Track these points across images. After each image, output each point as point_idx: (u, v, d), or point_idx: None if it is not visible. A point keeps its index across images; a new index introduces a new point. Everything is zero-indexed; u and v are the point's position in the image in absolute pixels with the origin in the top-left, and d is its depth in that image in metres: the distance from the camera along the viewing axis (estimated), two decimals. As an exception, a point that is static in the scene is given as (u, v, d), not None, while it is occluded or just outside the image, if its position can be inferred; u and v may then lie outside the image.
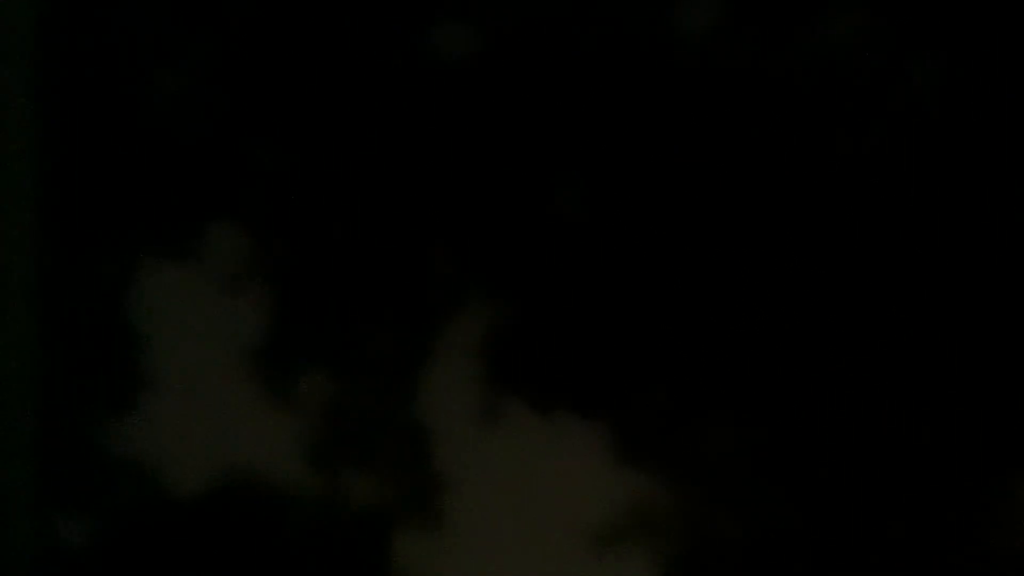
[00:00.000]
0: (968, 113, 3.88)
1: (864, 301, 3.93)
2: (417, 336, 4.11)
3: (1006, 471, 3.85)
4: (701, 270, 4.02)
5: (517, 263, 4.07)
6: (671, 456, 4.02)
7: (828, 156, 3.95)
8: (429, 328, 4.10)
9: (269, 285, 4.15)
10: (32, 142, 4.10)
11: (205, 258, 4.16)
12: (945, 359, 3.88)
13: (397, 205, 4.12)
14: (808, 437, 3.97)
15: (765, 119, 3.96)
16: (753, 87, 3.95)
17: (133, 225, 4.19)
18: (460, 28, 4.05)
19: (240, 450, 4.08)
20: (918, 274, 3.91)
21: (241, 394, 4.12)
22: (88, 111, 4.21)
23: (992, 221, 3.87)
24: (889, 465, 3.93)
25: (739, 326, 3.99)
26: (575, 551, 4.02)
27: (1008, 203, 3.86)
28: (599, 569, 4.01)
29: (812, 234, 3.97)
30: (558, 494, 4.04)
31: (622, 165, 4.02)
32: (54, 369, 4.12)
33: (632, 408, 4.04)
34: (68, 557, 4.07)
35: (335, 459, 4.10)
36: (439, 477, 4.08)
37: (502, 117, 4.06)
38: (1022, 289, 3.84)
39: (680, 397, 4.01)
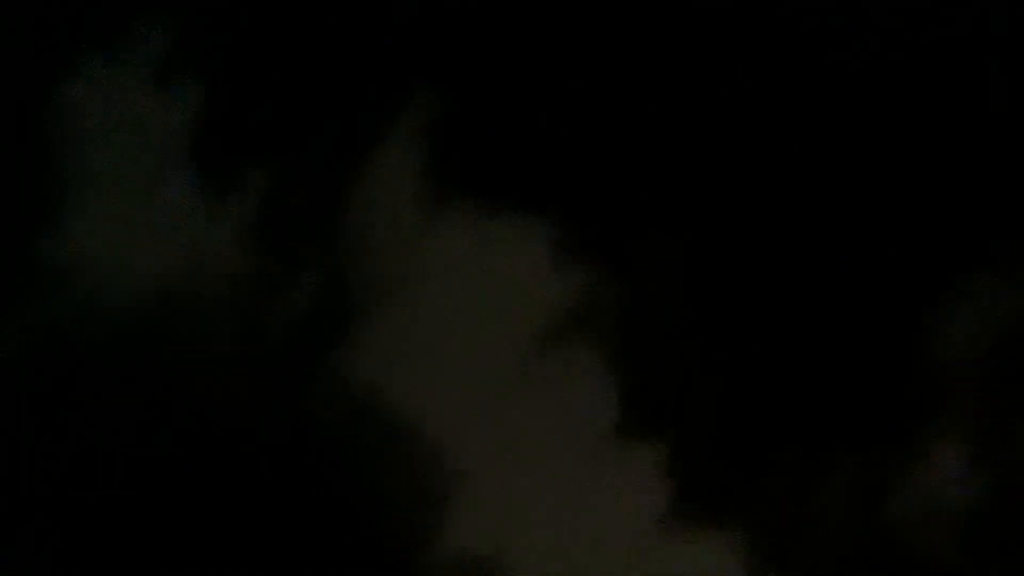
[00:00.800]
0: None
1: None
2: (358, 131, 4.05)
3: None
4: (648, 56, 4.04)
5: (462, 49, 4.02)
6: (613, 251, 4.04)
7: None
8: (371, 120, 4.04)
9: (200, 73, 4.04)
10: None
11: (133, 51, 4.02)
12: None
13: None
14: (745, 234, 4.04)
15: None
16: None
17: (60, 23, 4.03)
18: None
19: (175, 252, 3.97)
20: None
21: (176, 193, 4.01)
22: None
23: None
24: (830, 258, 4.02)
25: (683, 114, 4.03)
26: (519, 350, 4.01)
27: None
28: (543, 366, 4.02)
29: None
30: (501, 291, 4.03)
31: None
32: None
33: (576, 205, 4.04)
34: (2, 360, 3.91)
35: (275, 258, 4.01)
36: (381, 276, 4.03)
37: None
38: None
39: (623, 193, 4.04)
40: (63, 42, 3.89)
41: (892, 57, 3.85)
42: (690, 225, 3.99)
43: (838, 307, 3.93)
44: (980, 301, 3.86)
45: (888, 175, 3.87)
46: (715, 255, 3.98)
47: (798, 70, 3.90)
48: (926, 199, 3.88)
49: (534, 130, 3.97)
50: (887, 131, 3.85)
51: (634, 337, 3.97)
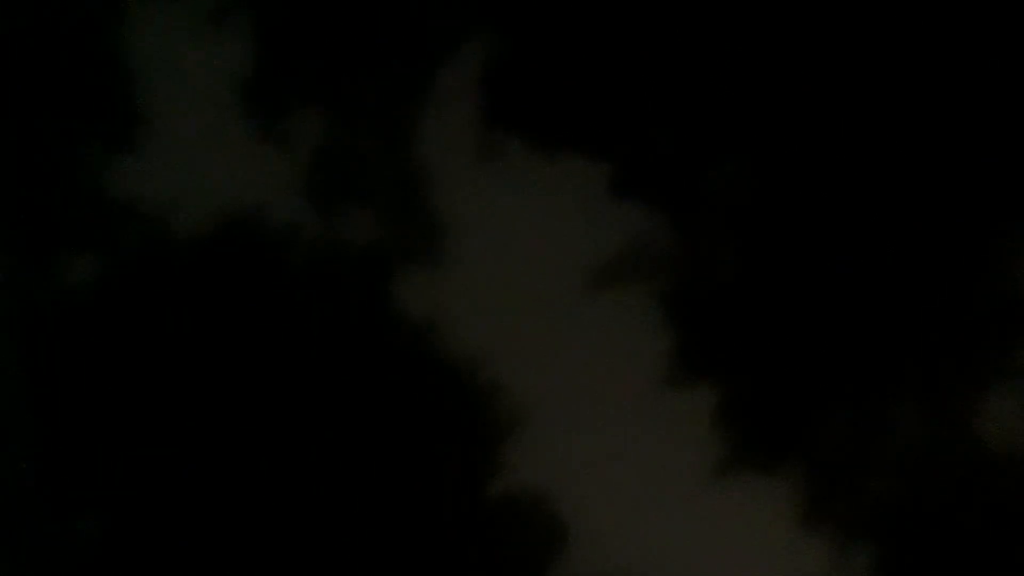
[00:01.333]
0: None
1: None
2: (414, 73, 4.05)
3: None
4: (712, 13, 3.99)
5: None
6: (670, 194, 4.02)
7: None
8: (426, 64, 4.04)
9: (259, 19, 4.06)
10: None
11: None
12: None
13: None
14: (805, 178, 3.99)
15: None
16: None
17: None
18: None
19: (237, 189, 4.01)
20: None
21: (236, 132, 4.04)
22: None
23: None
24: (883, 210, 3.97)
25: (742, 63, 3.98)
26: (573, 290, 4.02)
27: None
28: (597, 308, 4.02)
29: None
30: (556, 233, 4.03)
31: None
32: (49, 110, 4.02)
33: (632, 146, 4.02)
34: (70, 297, 4.00)
35: (333, 198, 4.04)
36: (437, 217, 4.04)
37: None
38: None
39: (681, 136, 4.00)
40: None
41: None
42: (748, 171, 3.94)
43: (899, 251, 3.87)
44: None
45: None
46: (773, 201, 3.93)
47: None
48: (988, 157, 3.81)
49: (591, 72, 3.94)
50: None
51: (688, 282, 3.95)
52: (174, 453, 3.89)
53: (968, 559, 3.79)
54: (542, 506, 3.88)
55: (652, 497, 3.87)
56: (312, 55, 4.00)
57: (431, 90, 4.01)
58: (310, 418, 3.92)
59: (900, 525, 3.82)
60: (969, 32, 3.81)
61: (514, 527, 3.86)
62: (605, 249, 3.98)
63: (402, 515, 3.86)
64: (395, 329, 3.96)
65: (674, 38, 3.95)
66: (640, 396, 3.93)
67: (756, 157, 3.94)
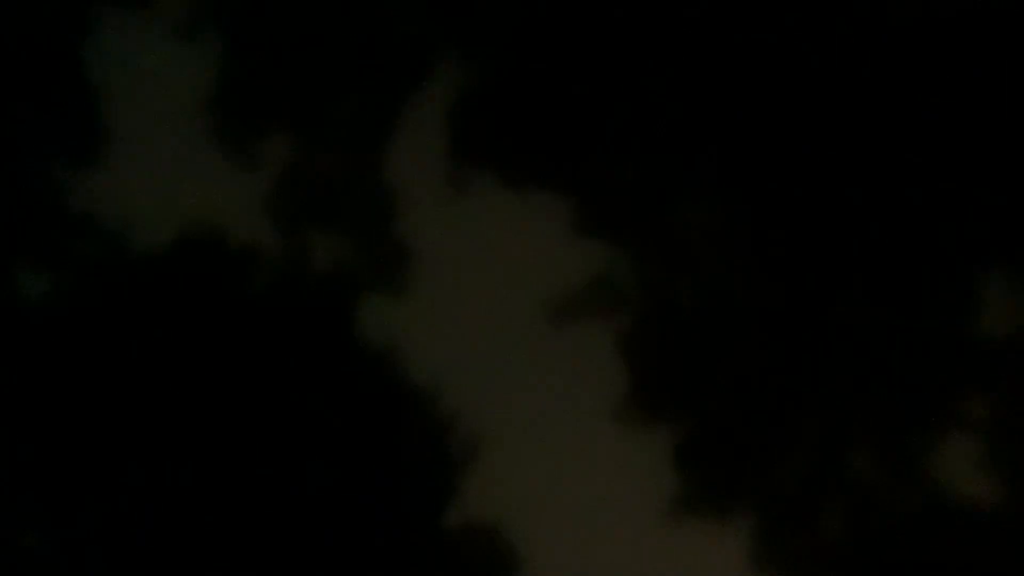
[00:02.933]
0: None
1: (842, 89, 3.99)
2: (384, 100, 4.03)
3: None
4: (673, 45, 4.02)
5: (488, 26, 4.00)
6: (632, 232, 4.04)
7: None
8: (396, 92, 4.03)
9: (227, 34, 4.02)
10: None
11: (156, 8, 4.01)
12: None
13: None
14: (764, 223, 4.02)
15: None
16: None
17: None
18: None
19: (200, 208, 3.97)
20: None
21: (201, 151, 4.00)
22: None
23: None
24: (847, 242, 4.00)
25: (705, 105, 4.01)
26: (535, 323, 4.02)
27: None
28: (557, 340, 4.02)
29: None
30: (520, 266, 4.03)
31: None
32: (9, 122, 3.95)
33: (597, 184, 4.03)
34: (23, 312, 3.93)
35: (297, 221, 4.01)
36: (402, 245, 4.03)
37: None
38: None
39: (645, 176, 4.02)
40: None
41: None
42: (710, 212, 3.97)
43: (852, 301, 3.91)
44: (991, 304, 3.84)
45: (910, 181, 3.85)
46: (733, 242, 3.96)
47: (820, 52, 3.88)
48: (946, 201, 3.86)
49: (558, 109, 3.96)
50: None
51: (648, 320, 3.96)
52: (126, 471, 3.84)
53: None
54: (496, 537, 3.87)
55: (606, 533, 3.88)
56: (283, 77, 3.97)
57: (400, 118, 4.00)
58: (265, 442, 3.88)
59: (850, 569, 3.85)
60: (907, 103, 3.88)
61: (469, 557, 3.85)
62: (567, 284, 3.99)
63: (358, 542, 3.84)
64: (356, 355, 3.94)
65: (639, 79, 3.98)
66: (596, 431, 3.93)
67: (718, 199, 3.97)
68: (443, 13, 3.94)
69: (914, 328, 3.91)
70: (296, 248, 3.95)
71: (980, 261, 3.87)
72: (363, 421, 3.91)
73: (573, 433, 3.95)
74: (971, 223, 3.89)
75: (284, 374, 3.91)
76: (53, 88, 3.93)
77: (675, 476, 3.90)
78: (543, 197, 3.99)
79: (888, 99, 3.91)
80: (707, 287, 3.99)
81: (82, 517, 3.83)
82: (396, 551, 3.85)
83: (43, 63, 3.93)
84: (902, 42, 3.84)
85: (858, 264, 3.93)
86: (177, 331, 3.90)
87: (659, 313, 4.00)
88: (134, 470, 3.83)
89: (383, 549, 3.85)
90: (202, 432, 3.87)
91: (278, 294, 3.95)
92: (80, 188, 3.93)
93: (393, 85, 3.96)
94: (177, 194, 3.94)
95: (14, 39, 3.89)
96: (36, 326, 3.87)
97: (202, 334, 3.92)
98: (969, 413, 3.85)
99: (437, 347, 3.94)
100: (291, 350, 3.92)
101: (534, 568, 3.85)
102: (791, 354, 3.93)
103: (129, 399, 3.87)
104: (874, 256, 3.93)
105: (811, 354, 3.92)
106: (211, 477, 3.85)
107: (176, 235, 3.93)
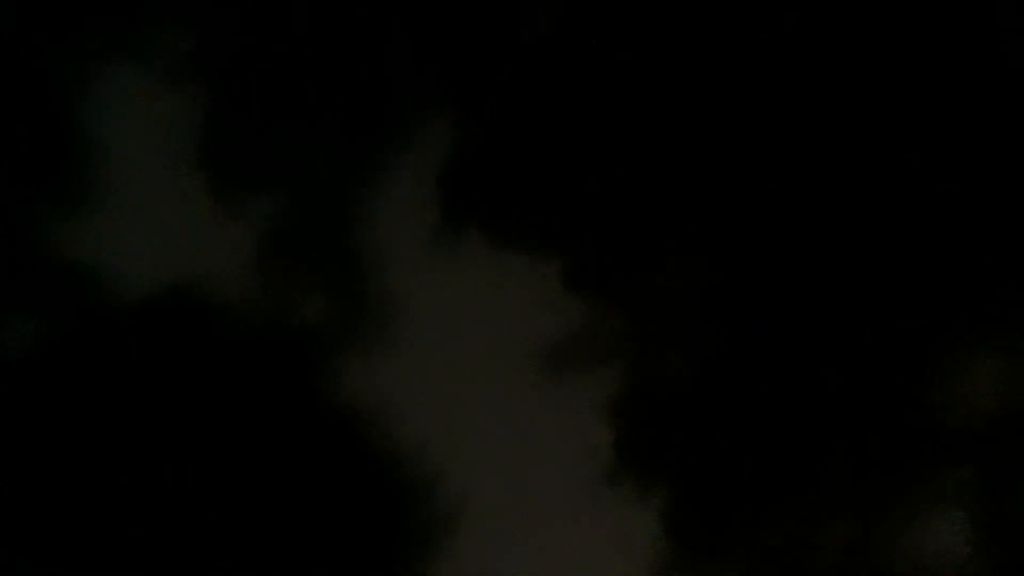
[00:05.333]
0: None
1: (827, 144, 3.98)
2: (372, 156, 4.01)
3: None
4: (665, 113, 4.01)
5: (478, 88, 3.99)
6: (620, 290, 4.01)
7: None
8: (385, 149, 4.00)
9: (217, 88, 3.99)
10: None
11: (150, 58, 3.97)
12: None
13: (356, 12, 3.99)
14: (751, 283, 4.00)
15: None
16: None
17: (78, 26, 3.97)
18: None
19: (185, 259, 3.93)
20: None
21: (188, 202, 3.96)
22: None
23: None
24: (835, 312, 3.99)
25: (693, 165, 4.00)
26: (521, 381, 3.98)
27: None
28: (545, 395, 3.98)
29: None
30: (507, 323, 4.00)
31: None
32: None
33: (585, 242, 4.01)
34: (10, 358, 3.87)
35: (283, 275, 3.97)
36: (388, 301, 3.99)
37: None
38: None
39: (633, 235, 4.01)
40: (82, 49, 3.82)
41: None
42: (697, 271, 3.95)
43: (838, 367, 3.90)
44: (978, 374, 3.84)
45: (891, 245, 3.85)
46: (720, 300, 3.95)
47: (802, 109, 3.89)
48: (932, 268, 3.86)
49: (547, 167, 3.94)
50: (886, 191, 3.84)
51: (635, 378, 3.94)
52: (108, 522, 3.78)
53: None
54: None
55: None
56: (271, 133, 3.94)
57: (388, 176, 3.97)
58: (245, 499, 3.83)
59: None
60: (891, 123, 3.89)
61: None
62: (554, 342, 3.95)
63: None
64: (339, 412, 3.89)
65: (628, 137, 3.97)
66: (582, 492, 3.90)
67: (705, 257, 3.96)
68: (433, 72, 3.91)
69: (901, 398, 3.89)
70: (281, 303, 3.90)
71: (968, 337, 3.87)
72: (346, 480, 3.86)
73: (559, 493, 3.91)
74: (960, 300, 3.88)
75: (266, 430, 3.85)
76: (39, 136, 3.89)
77: (661, 538, 3.86)
78: (530, 255, 3.96)
79: (872, 171, 3.92)
80: (696, 346, 3.96)
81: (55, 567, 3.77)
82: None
83: (29, 111, 3.88)
84: (880, 110, 3.86)
85: (843, 335, 3.93)
86: (158, 383, 3.84)
87: (647, 371, 3.96)
88: (117, 522, 3.77)
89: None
90: (183, 488, 3.81)
91: (262, 349, 3.90)
92: (66, 236, 3.87)
93: (382, 143, 3.93)
94: (162, 245, 3.90)
95: (6, 91, 3.85)
96: (17, 372, 3.81)
97: (184, 388, 3.87)
98: (953, 486, 3.84)
99: (422, 405, 3.90)
100: (274, 406, 3.87)
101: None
102: (777, 418, 3.91)
103: (109, 448, 3.82)
104: (862, 324, 3.92)
105: (796, 417, 3.90)
106: (193, 534, 3.79)
107: (159, 285, 3.88)
